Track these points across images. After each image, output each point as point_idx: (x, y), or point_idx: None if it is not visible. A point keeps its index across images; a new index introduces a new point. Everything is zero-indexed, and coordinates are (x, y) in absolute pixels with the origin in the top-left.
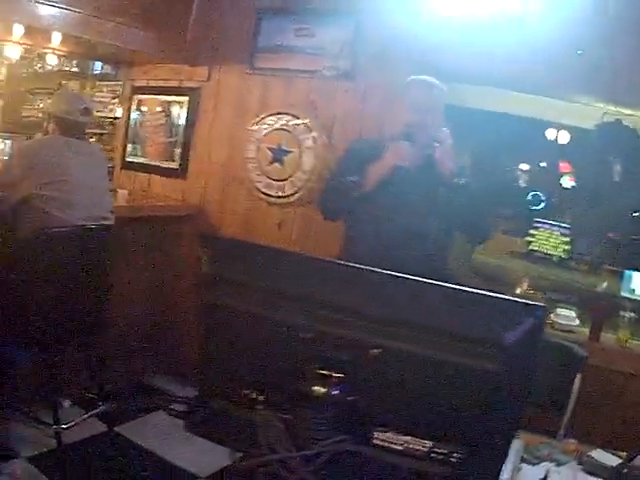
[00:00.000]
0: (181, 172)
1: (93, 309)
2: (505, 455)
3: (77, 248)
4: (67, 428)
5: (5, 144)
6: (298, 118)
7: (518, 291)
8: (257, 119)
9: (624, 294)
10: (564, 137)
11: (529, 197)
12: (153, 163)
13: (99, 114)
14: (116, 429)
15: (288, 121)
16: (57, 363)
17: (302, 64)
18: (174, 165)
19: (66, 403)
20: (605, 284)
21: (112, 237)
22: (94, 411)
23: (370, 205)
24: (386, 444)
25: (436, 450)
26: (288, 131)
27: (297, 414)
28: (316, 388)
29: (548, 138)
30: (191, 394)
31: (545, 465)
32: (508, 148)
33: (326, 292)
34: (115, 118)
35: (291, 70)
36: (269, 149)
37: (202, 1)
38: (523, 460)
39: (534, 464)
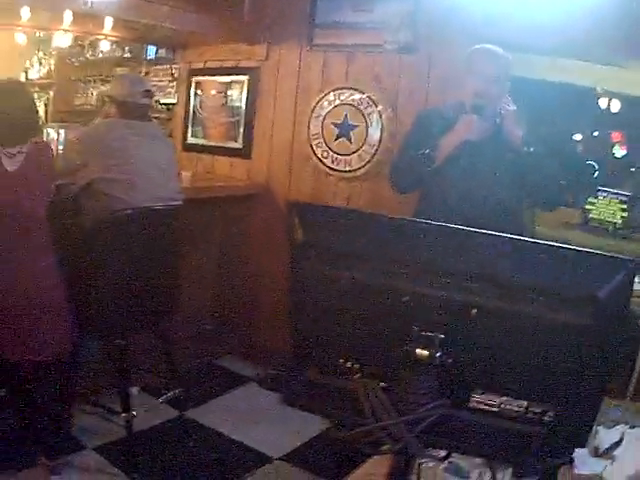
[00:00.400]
0: (245, 152)
1: (163, 292)
2: (595, 414)
3: (144, 230)
4: (137, 415)
5: (59, 133)
6: (362, 93)
7: None
8: (320, 95)
9: None
10: (616, 106)
11: (584, 167)
12: (216, 144)
13: (155, 98)
14: (187, 414)
15: (352, 96)
16: (127, 349)
17: (362, 39)
18: (238, 145)
19: (134, 390)
20: None
21: (179, 218)
22: (167, 395)
23: (441, 178)
24: (483, 406)
25: (531, 410)
26: (353, 106)
27: (398, 380)
28: (419, 351)
29: (601, 107)
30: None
31: (620, 427)
32: (562, 118)
33: (420, 253)
34: (172, 104)
35: (351, 45)
36: (334, 124)
37: None
38: (600, 423)
39: (609, 427)
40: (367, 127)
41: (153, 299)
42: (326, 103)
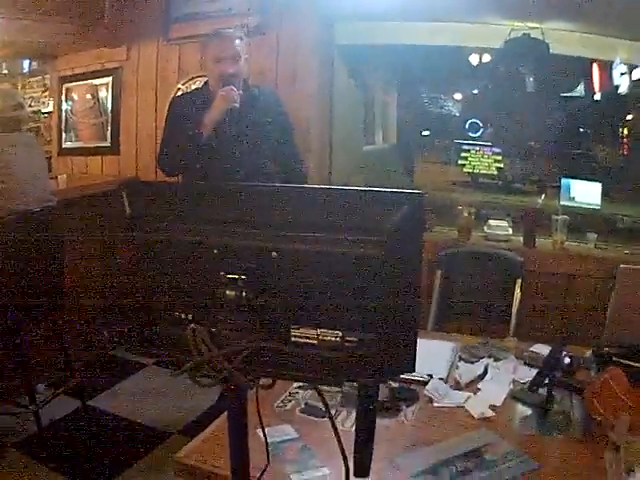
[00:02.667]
0: (114, 149)
1: (49, 287)
2: (412, 342)
3: (26, 232)
4: (42, 406)
5: None
6: None
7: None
8: (177, 86)
9: (564, 203)
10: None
11: (467, 125)
12: (88, 145)
13: (32, 109)
14: (90, 402)
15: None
16: (24, 345)
17: (214, 27)
18: (106, 143)
19: (41, 387)
20: (543, 197)
21: (57, 217)
22: (66, 386)
23: (211, 150)
24: (302, 339)
25: (347, 339)
26: None
27: (217, 320)
28: (227, 292)
29: (473, 63)
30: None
31: (484, 361)
32: (437, 79)
33: (228, 211)
34: (47, 113)
35: (204, 35)
36: None
37: None
38: (461, 359)
39: (472, 362)
40: None
41: (40, 294)
42: (182, 93)
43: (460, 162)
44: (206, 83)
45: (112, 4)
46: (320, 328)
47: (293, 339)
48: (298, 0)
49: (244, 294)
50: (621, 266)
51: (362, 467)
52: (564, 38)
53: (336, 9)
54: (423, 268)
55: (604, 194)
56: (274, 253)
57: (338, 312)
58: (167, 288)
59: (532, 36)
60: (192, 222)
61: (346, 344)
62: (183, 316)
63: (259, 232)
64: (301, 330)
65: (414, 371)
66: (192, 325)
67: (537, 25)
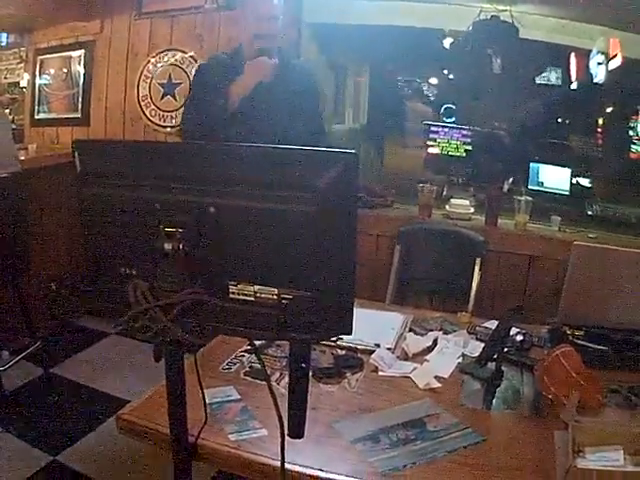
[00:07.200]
0: (84, 120)
1: (14, 251)
2: (349, 306)
3: None
4: (4, 370)
5: None
6: (185, 52)
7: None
8: (148, 59)
9: (532, 187)
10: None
11: (442, 110)
12: (59, 116)
13: (7, 81)
14: (52, 370)
15: (175, 56)
16: None
17: (185, 2)
18: (77, 114)
19: (5, 354)
20: (511, 180)
21: (22, 183)
22: (28, 351)
23: (235, 122)
24: (240, 295)
25: (283, 296)
26: (177, 65)
27: (157, 274)
28: (165, 245)
29: (446, 47)
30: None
31: (433, 334)
32: (412, 62)
33: (170, 169)
34: (22, 88)
35: (176, 9)
36: (160, 84)
37: None
38: (411, 331)
39: (422, 334)
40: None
41: (5, 259)
42: (151, 66)
43: (429, 143)
44: (240, 45)
45: None
46: (258, 285)
47: (231, 295)
48: None
49: (181, 247)
50: (575, 243)
51: (296, 428)
52: (539, 24)
53: None
54: (383, 243)
55: (579, 184)
56: (212, 208)
57: (275, 269)
58: (112, 243)
59: (501, 19)
60: (136, 178)
61: (282, 301)
62: (127, 271)
63: (198, 187)
64: (239, 286)
65: (350, 334)
66: (135, 280)
67: (507, 8)
